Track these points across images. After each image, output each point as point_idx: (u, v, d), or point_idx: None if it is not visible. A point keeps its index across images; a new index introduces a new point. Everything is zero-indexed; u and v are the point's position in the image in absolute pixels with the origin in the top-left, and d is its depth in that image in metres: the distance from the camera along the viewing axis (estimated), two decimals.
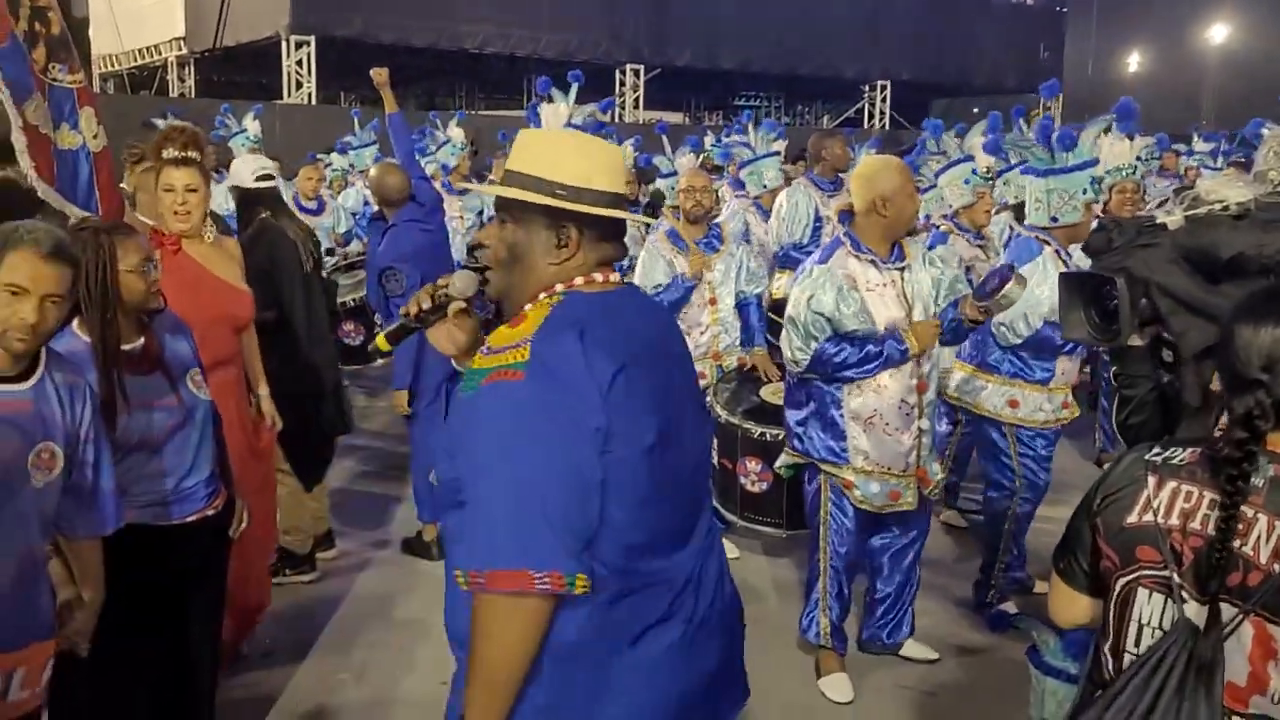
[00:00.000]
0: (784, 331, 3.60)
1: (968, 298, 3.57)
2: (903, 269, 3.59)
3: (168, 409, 2.65)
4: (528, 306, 1.73)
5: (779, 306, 6.98)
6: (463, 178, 8.30)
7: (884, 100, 23.53)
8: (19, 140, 3.12)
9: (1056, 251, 4.03)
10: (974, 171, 5.47)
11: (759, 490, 4.66)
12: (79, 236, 2.52)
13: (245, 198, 4.50)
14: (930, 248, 4.65)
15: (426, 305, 1.90)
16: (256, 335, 3.91)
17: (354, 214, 8.53)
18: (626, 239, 1.95)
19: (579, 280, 1.76)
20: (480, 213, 8.01)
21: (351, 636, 4.13)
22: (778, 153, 7.14)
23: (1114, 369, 2.16)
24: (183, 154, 3.39)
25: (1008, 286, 3.42)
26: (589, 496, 1.61)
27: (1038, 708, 3.59)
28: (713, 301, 4.81)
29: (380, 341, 1.96)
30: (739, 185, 7.31)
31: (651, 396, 1.69)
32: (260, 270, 4.04)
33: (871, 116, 23.68)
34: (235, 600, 3.76)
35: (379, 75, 5.53)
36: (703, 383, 4.75)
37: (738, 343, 4.97)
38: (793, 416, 3.76)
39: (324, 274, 5.68)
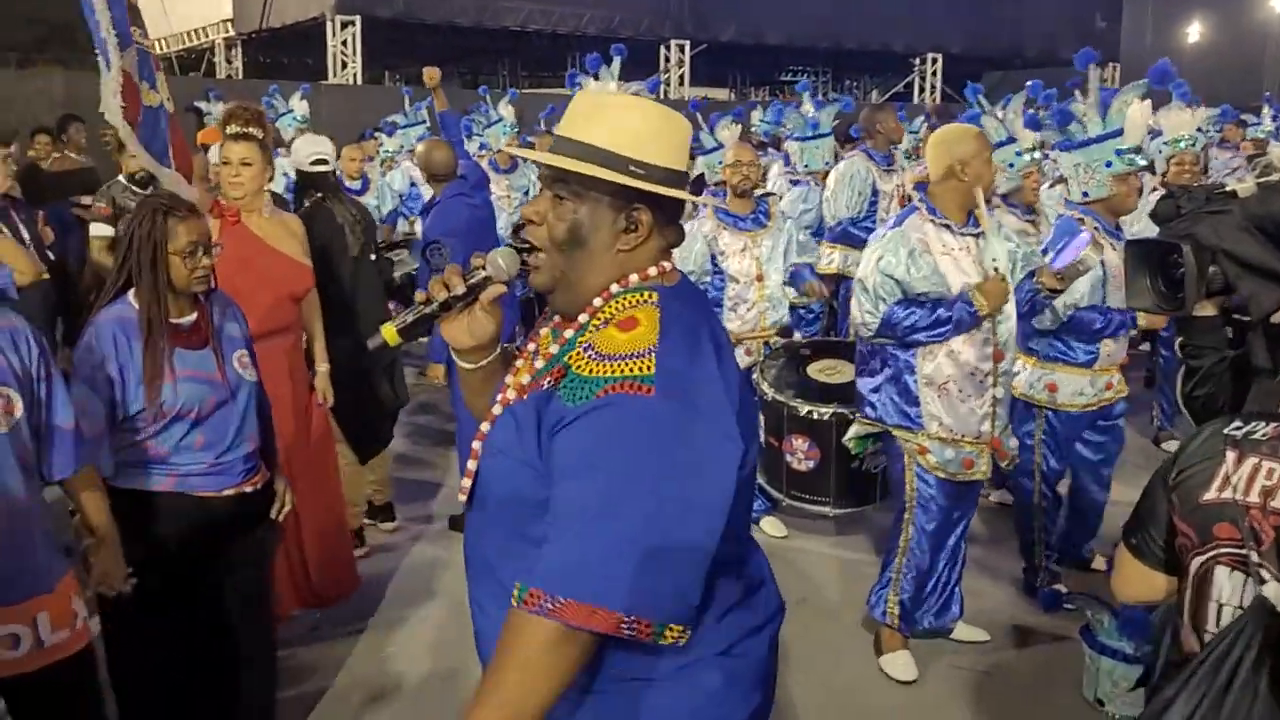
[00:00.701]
0: (854, 297, 3.56)
1: (1044, 267, 3.54)
2: (977, 236, 3.55)
3: (211, 383, 2.70)
4: (625, 305, 1.54)
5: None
6: (509, 158, 8.28)
7: (934, 73, 23.13)
8: (114, 83, 3.39)
9: (1098, 228, 3.94)
10: (1018, 154, 5.29)
11: (805, 469, 4.62)
12: (139, 208, 2.64)
13: (300, 180, 4.77)
14: (1059, 239, 4.60)
15: (459, 290, 1.60)
16: (346, 307, 4.20)
17: (400, 195, 8.56)
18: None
19: (653, 271, 1.58)
20: (526, 192, 7.99)
21: (399, 612, 4.15)
22: (832, 132, 7.04)
23: (1180, 340, 2.09)
24: (243, 130, 3.64)
25: (1084, 254, 3.42)
26: (712, 542, 1.44)
27: (1091, 687, 3.55)
28: (760, 278, 4.75)
29: (388, 333, 1.60)
30: (788, 160, 7.23)
31: (749, 410, 1.57)
32: (310, 251, 4.20)
33: (921, 90, 23.30)
34: (318, 584, 3.90)
35: (431, 77, 5.64)
36: (750, 360, 4.71)
37: (785, 319, 4.92)
38: (866, 384, 3.71)
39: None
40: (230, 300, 2.88)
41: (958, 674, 3.75)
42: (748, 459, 1.51)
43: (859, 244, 5.59)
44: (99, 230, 5.50)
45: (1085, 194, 4.00)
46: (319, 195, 4.61)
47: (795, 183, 6.97)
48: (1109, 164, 3.92)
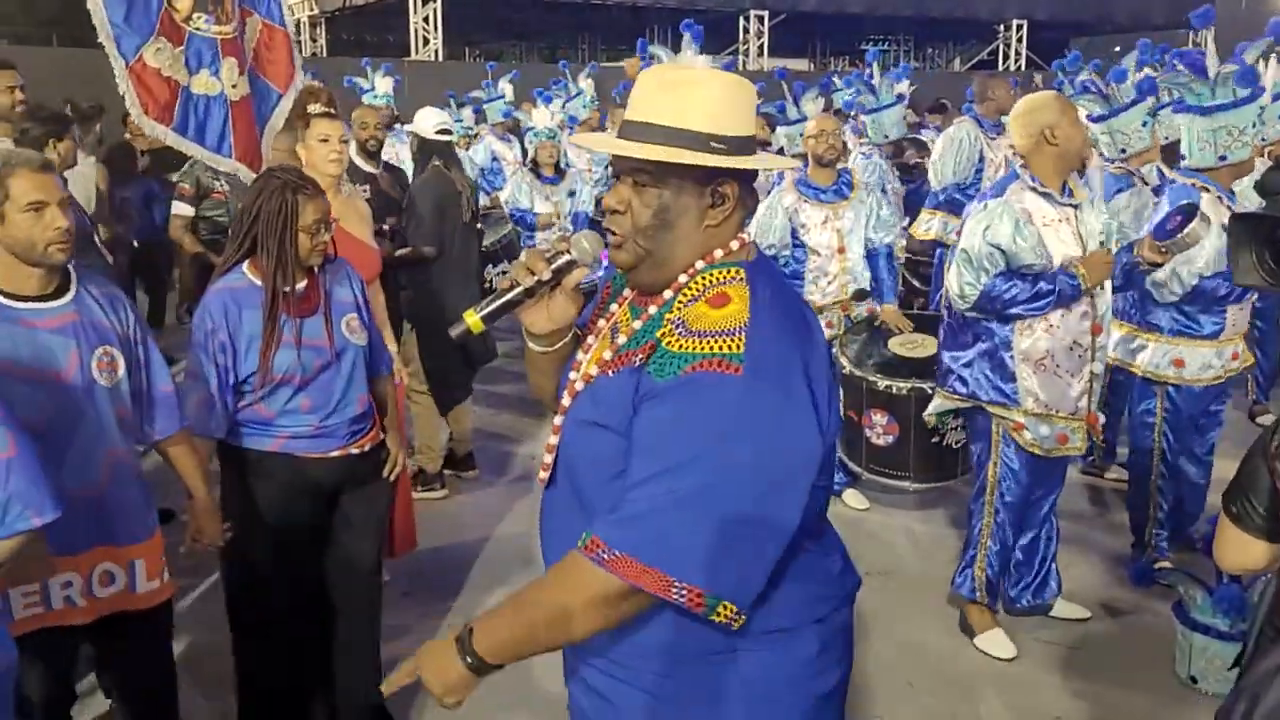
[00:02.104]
0: (952, 267, 3.47)
1: (1147, 238, 3.45)
2: (1075, 207, 3.47)
3: (319, 349, 2.78)
4: (714, 281, 1.52)
5: (916, 253, 6.84)
6: (590, 131, 8.34)
7: (1020, 40, 22.53)
8: (123, 81, 3.47)
9: (1219, 197, 3.81)
10: (1151, 113, 4.88)
11: (884, 443, 4.60)
12: (266, 184, 2.73)
13: (424, 146, 5.06)
14: (1109, 198, 4.48)
15: (545, 275, 1.59)
16: (417, 270, 4.50)
17: (481, 169, 8.66)
18: None
19: (735, 245, 1.56)
20: (606, 165, 8.02)
21: (482, 573, 4.24)
22: (902, 99, 6.91)
23: None
24: (329, 108, 3.75)
25: (1191, 226, 3.32)
26: (785, 537, 1.44)
27: (1184, 664, 3.48)
28: (841, 250, 4.72)
29: (471, 320, 1.59)
30: (859, 133, 7.15)
31: (832, 398, 1.53)
32: (428, 212, 4.66)
33: (1006, 58, 22.72)
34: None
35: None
36: (830, 333, 4.68)
37: (866, 289, 4.87)
38: (955, 358, 3.62)
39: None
40: (348, 265, 2.96)
41: (1047, 649, 3.71)
42: (827, 437, 1.50)
43: (960, 211, 5.49)
44: (179, 209, 5.72)
45: (1223, 157, 3.84)
46: (440, 163, 4.94)
47: (866, 155, 6.89)
48: (1253, 125, 3.79)
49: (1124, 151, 4.93)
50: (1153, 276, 3.77)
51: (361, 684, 3.07)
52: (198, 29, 3.56)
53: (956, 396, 3.63)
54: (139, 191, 7.87)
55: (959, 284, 3.44)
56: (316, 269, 2.82)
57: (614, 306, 1.65)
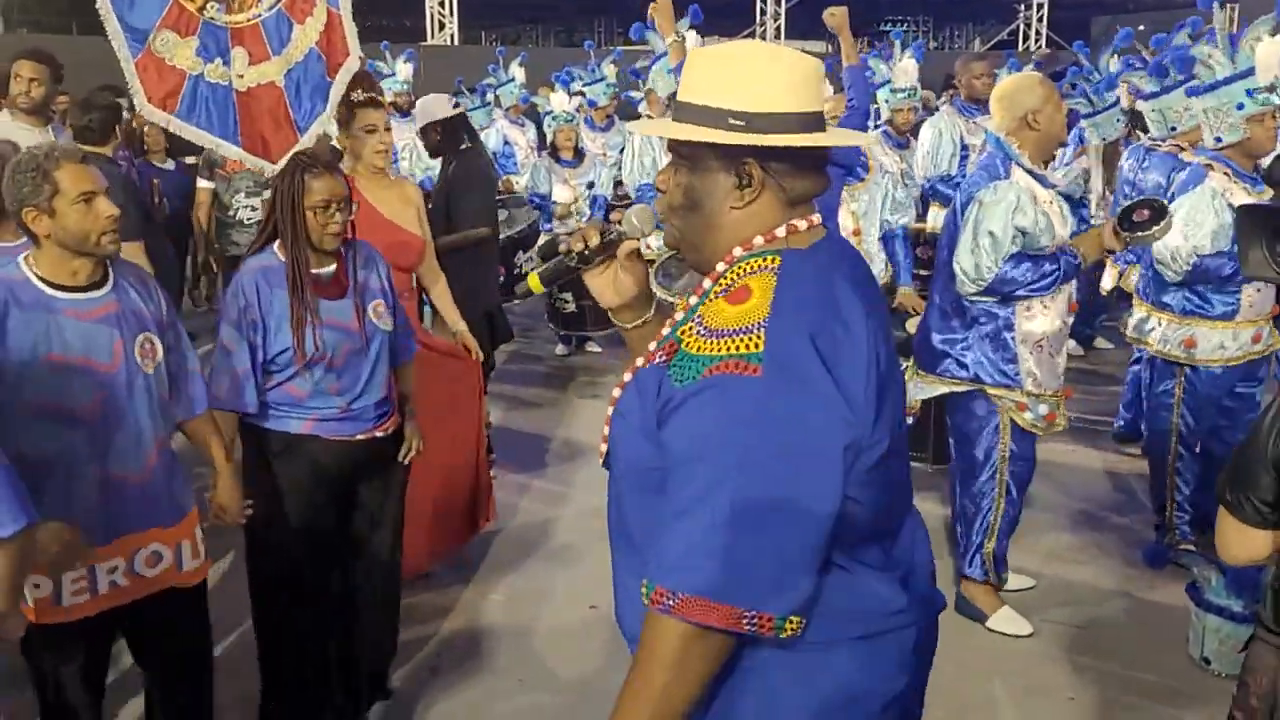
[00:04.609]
0: (967, 249, 3.43)
1: (1108, 223, 3.45)
2: (1053, 187, 3.54)
3: (348, 332, 2.86)
4: (743, 273, 1.46)
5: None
6: (606, 116, 8.35)
7: (1040, 20, 22.31)
8: (127, 69, 3.53)
9: (1227, 172, 3.80)
10: (1249, 93, 3.97)
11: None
12: (287, 164, 2.85)
13: (447, 126, 4.85)
14: (1166, 178, 4.45)
15: (594, 242, 1.62)
16: (465, 250, 4.50)
17: (494, 153, 8.66)
18: None
19: (781, 231, 1.48)
20: (621, 149, 8.00)
21: (503, 558, 4.28)
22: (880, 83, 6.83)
23: None
24: (375, 94, 3.72)
25: (1157, 227, 3.33)
26: (825, 528, 1.37)
27: (1197, 645, 3.49)
28: (856, 233, 4.73)
29: (533, 281, 1.67)
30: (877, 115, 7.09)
31: (889, 398, 1.46)
32: (474, 192, 4.75)
33: (1026, 38, 22.51)
34: (439, 524, 3.99)
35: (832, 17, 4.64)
36: None
37: (883, 277, 4.88)
38: (950, 341, 3.61)
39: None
40: (373, 251, 3.02)
41: (1058, 629, 3.73)
42: (876, 436, 1.42)
43: (947, 202, 5.44)
44: (204, 184, 5.92)
45: (1219, 139, 3.86)
46: (467, 143, 4.87)
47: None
48: (1240, 106, 3.78)
49: (1174, 129, 4.87)
50: (1156, 253, 3.80)
51: (379, 665, 3.18)
52: (210, 18, 3.59)
53: (955, 380, 3.63)
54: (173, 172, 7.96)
55: (976, 266, 3.42)
56: (344, 253, 2.88)
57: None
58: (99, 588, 2.46)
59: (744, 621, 1.34)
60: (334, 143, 4.35)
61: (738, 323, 1.38)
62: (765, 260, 1.46)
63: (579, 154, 7.28)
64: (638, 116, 8.84)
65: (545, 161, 7.17)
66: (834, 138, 1.55)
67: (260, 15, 3.68)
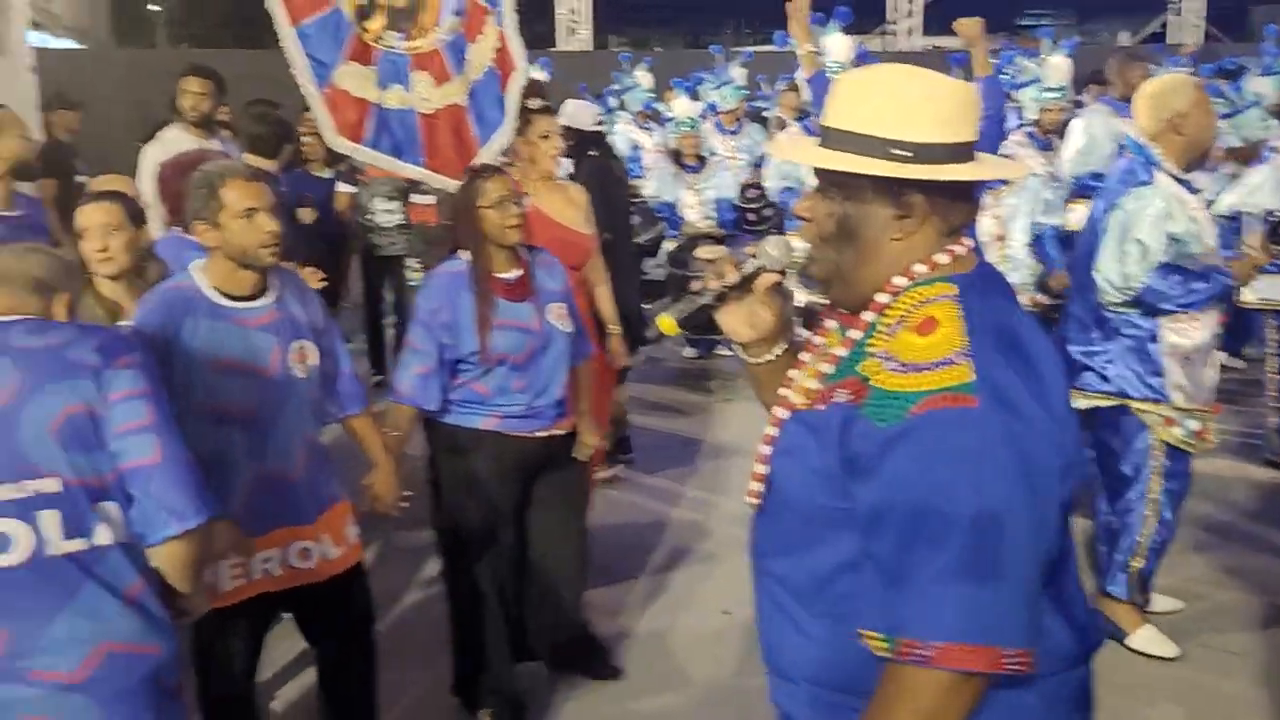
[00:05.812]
0: (1112, 256, 3.32)
1: (1257, 234, 3.34)
2: (1198, 192, 3.40)
3: (530, 333, 3.05)
4: (916, 302, 1.41)
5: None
6: (735, 119, 8.32)
7: (1195, 11, 21.21)
8: (315, 105, 3.65)
9: None
10: None
11: None
12: (464, 179, 3.09)
13: (582, 139, 4.92)
14: None
15: (732, 278, 1.54)
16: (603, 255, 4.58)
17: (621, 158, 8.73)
18: None
19: (944, 258, 1.44)
20: (750, 153, 7.96)
21: (643, 560, 4.33)
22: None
23: None
24: (548, 103, 3.96)
25: None
26: (1053, 552, 1.35)
27: None
28: (1000, 238, 4.60)
29: (665, 325, 1.57)
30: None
31: (1066, 414, 1.41)
32: (599, 202, 4.73)
33: (1179, 31, 21.45)
34: None
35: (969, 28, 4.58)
36: None
37: (1028, 283, 4.72)
38: (1090, 354, 3.49)
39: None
40: (553, 259, 3.21)
41: (1207, 654, 3.56)
42: (1076, 463, 1.40)
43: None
44: (342, 188, 6.43)
45: None
46: (598, 154, 4.94)
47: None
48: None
49: None
50: None
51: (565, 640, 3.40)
52: (389, 46, 3.71)
53: (1098, 394, 3.48)
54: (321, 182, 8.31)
55: (1123, 275, 3.30)
56: (527, 258, 3.07)
57: (829, 322, 1.57)
58: (253, 574, 2.61)
59: (1004, 661, 1.30)
60: None
61: (936, 354, 1.34)
62: (935, 288, 1.42)
63: (702, 159, 7.27)
64: (762, 120, 8.81)
65: (669, 167, 7.20)
66: (998, 170, 1.52)
67: (442, 39, 3.80)
